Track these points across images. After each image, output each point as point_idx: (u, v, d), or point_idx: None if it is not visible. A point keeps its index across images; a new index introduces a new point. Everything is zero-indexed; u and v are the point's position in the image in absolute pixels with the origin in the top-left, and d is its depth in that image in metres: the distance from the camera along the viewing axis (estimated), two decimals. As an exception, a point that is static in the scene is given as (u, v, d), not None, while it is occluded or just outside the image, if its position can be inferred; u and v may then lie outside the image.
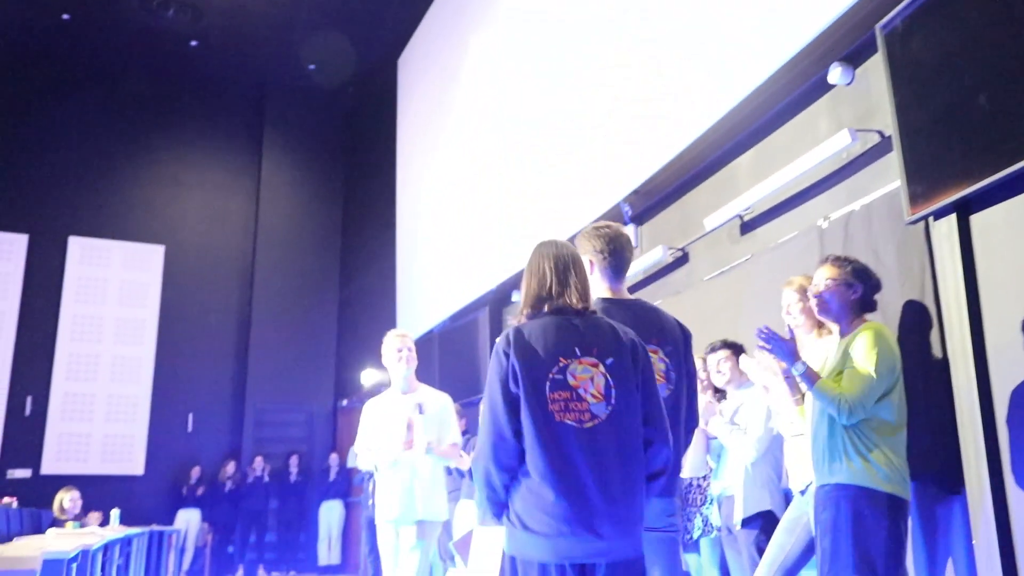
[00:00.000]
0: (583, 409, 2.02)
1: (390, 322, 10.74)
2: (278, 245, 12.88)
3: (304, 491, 11.68)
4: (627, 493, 1.98)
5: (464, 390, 7.71)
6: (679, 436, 2.35)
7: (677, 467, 2.23)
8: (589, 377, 2.05)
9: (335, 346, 12.95)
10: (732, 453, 3.65)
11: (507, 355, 2.07)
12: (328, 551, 11.26)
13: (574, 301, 2.14)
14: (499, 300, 8.04)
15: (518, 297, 7.32)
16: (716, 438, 3.74)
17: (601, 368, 2.06)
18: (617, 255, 2.51)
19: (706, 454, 3.83)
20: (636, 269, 5.61)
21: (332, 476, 11.31)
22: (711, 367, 3.82)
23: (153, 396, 11.80)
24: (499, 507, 2.06)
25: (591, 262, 2.46)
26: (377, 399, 4.19)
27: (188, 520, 11.01)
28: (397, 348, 4.09)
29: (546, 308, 2.15)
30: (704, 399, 3.76)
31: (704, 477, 3.95)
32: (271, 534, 11.37)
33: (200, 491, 11.22)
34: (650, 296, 5.60)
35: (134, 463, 11.54)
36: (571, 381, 2.03)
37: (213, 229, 12.85)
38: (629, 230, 5.88)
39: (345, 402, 12.40)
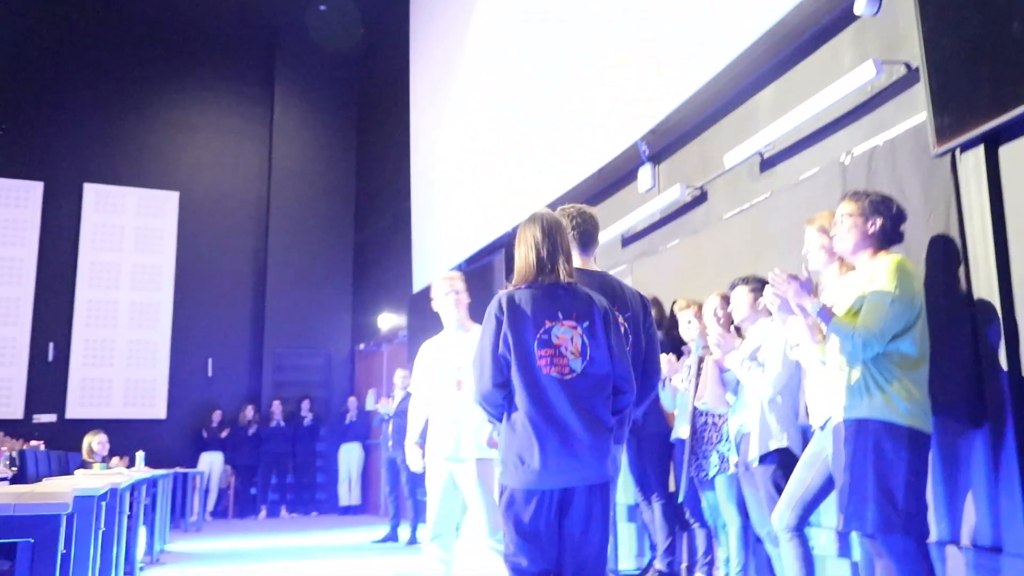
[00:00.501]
0: (564, 364, 2.53)
1: (406, 266, 10.76)
2: (292, 190, 12.88)
3: (317, 433, 11.88)
4: (598, 430, 2.50)
5: (481, 333, 7.69)
6: (639, 384, 2.89)
7: (631, 413, 2.73)
8: (569, 337, 2.56)
9: (351, 290, 13.03)
10: (749, 389, 3.66)
11: (499, 319, 2.56)
12: (348, 492, 11.47)
13: (561, 275, 2.61)
14: (513, 243, 7.97)
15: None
16: (731, 371, 3.74)
17: (579, 330, 2.57)
18: (585, 232, 3.09)
19: (724, 391, 3.83)
20: (653, 209, 5.58)
21: (350, 419, 11.46)
22: (732, 303, 3.81)
23: (172, 341, 11.95)
24: (499, 420, 2.59)
25: None
26: (432, 341, 4.24)
27: (211, 463, 11.24)
28: (445, 292, 4.13)
29: (536, 279, 2.60)
30: (718, 334, 3.75)
31: (720, 415, 3.97)
32: (292, 476, 11.58)
33: (222, 434, 11.41)
34: (667, 236, 5.58)
35: (156, 407, 11.74)
36: (555, 340, 2.55)
37: (227, 175, 12.85)
38: (646, 169, 5.82)
39: (362, 346, 12.52)
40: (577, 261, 3.01)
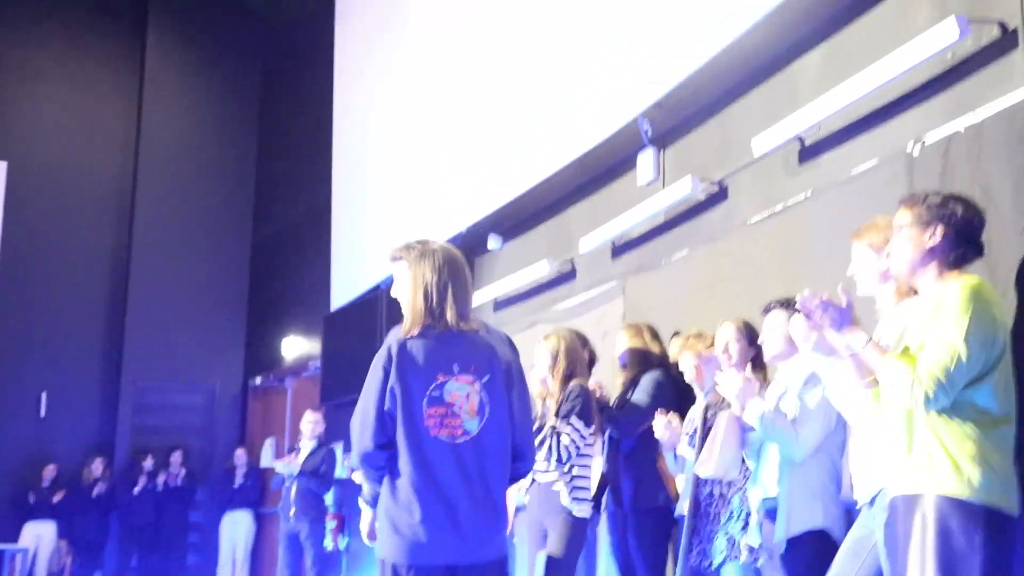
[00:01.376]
0: (456, 424, 2.93)
1: (321, 274, 10.70)
2: (168, 168, 12.77)
3: (191, 497, 11.73)
4: (490, 502, 2.95)
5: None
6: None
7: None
8: (465, 394, 2.95)
9: (246, 305, 12.91)
10: (774, 450, 3.67)
11: (387, 371, 2.95)
12: (232, 578, 11.32)
13: (452, 319, 3.01)
14: (471, 246, 8.05)
15: (495, 245, 7.46)
16: (753, 430, 3.75)
17: (477, 385, 2.97)
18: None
19: (740, 450, 3.85)
20: (656, 208, 5.61)
21: (239, 479, 11.32)
22: (765, 332, 3.85)
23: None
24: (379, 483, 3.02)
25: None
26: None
27: (39, 536, 10.98)
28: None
29: (429, 323, 3.01)
30: (738, 376, 3.77)
31: (729, 484, 3.97)
32: (155, 556, 11.40)
33: (56, 497, 11.18)
34: (673, 244, 5.61)
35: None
36: (447, 398, 2.94)
37: (77, 143, 12.71)
38: (648, 155, 5.86)
39: (259, 380, 12.39)
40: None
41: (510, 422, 2.99)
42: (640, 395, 4.76)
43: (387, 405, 2.94)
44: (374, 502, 3.05)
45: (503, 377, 3.02)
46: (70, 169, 12.58)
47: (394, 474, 2.93)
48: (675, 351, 4.68)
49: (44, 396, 11.98)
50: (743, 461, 3.89)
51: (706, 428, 4.08)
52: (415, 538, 2.87)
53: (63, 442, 11.94)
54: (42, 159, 12.47)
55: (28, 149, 12.43)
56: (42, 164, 12.45)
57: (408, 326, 3.02)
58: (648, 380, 4.80)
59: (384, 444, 2.93)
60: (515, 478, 2.99)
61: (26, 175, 12.28)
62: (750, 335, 4.07)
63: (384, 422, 2.94)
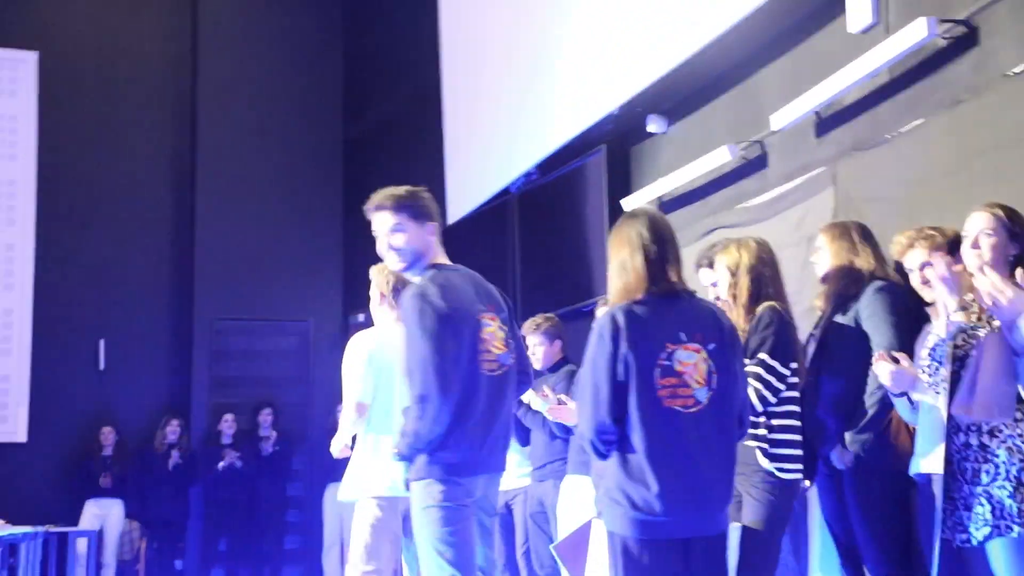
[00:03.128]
0: (687, 395, 3.57)
1: (433, 177, 10.67)
2: (234, 51, 12.93)
3: (287, 466, 11.95)
4: (722, 473, 3.66)
5: (566, 286, 7.84)
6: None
7: None
8: (693, 363, 3.58)
9: (341, 221, 13.03)
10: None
11: (615, 341, 3.56)
12: (342, 564, 11.55)
13: (677, 279, 3.68)
14: (624, 132, 7.95)
15: (657, 128, 7.35)
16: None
17: (703, 353, 3.61)
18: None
19: (1015, 383, 3.71)
20: (876, 63, 5.47)
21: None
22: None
23: (36, 312, 12.08)
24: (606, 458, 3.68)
25: None
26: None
27: (103, 517, 11.23)
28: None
29: (650, 288, 3.65)
30: (996, 284, 3.65)
31: (992, 431, 3.87)
32: (247, 539, 11.70)
33: (121, 468, 11.39)
34: (903, 110, 5.51)
35: (10, 423, 11.92)
36: (677, 367, 3.57)
37: (120, 25, 12.88)
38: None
39: (362, 316, 12.48)
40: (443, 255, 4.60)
41: (735, 391, 3.64)
42: (878, 327, 4.62)
43: (620, 376, 3.54)
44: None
45: (728, 344, 3.68)
46: (114, 59, 12.80)
47: (625, 448, 3.56)
48: (898, 249, 4.56)
49: (102, 345, 12.32)
50: (1019, 398, 3.75)
51: (957, 358, 3.91)
52: (651, 512, 3.51)
53: (127, 401, 12.24)
54: (78, 47, 12.73)
55: (62, 36, 12.69)
56: (80, 54, 12.71)
57: (619, 294, 3.69)
58: (874, 302, 4.65)
59: (618, 417, 3.55)
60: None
61: (61, 68, 12.56)
62: (1013, 227, 3.93)
63: (618, 394, 3.54)
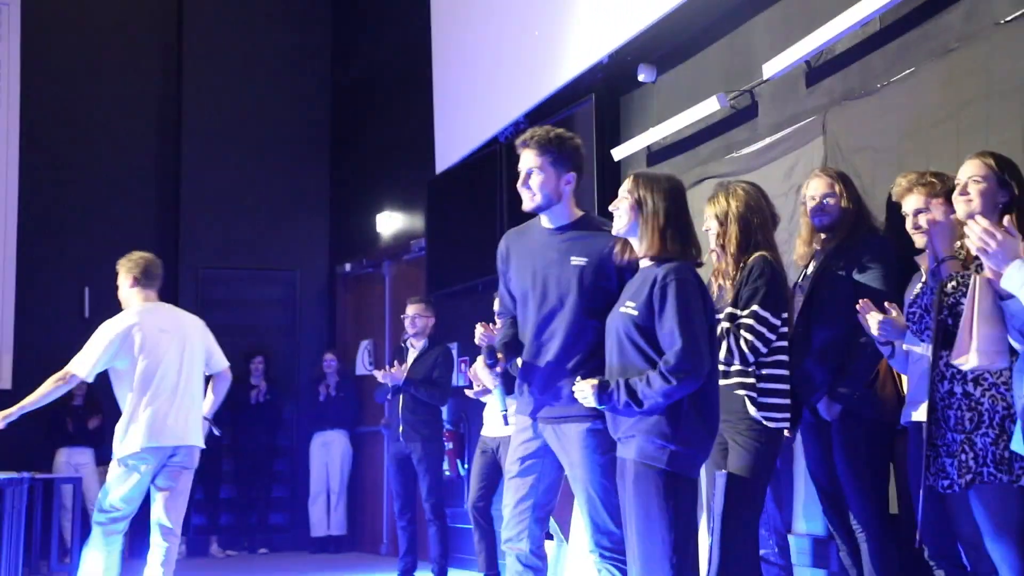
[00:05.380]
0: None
1: (422, 126, 10.68)
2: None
3: (277, 415, 11.97)
4: None
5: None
6: None
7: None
8: None
9: (328, 170, 13.03)
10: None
11: (704, 299, 4.16)
12: (327, 514, 11.62)
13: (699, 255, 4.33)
14: (613, 81, 7.98)
15: (647, 76, 7.34)
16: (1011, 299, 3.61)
17: None
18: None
19: (1002, 335, 3.72)
20: (868, 10, 5.44)
21: (329, 391, 11.56)
22: None
23: (20, 257, 12.06)
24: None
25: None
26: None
27: (76, 466, 11.09)
28: None
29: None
30: (984, 231, 3.66)
31: (984, 379, 3.92)
32: (230, 488, 11.76)
33: (93, 423, 11.20)
34: (894, 58, 5.52)
35: (-8, 370, 11.90)
36: None
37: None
38: None
39: (348, 266, 12.55)
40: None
41: None
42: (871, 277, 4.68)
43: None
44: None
45: None
46: (98, 5, 12.69)
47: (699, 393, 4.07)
48: (897, 191, 4.59)
49: (87, 292, 12.28)
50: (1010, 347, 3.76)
51: (945, 307, 3.94)
52: (705, 447, 4.17)
53: (112, 348, 12.21)
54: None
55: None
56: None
57: (688, 255, 4.19)
58: (868, 251, 4.71)
59: None
60: None
61: (45, 15, 12.43)
62: (1002, 175, 3.95)
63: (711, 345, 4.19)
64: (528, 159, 4.48)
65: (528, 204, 4.55)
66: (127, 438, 6.21)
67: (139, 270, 6.67)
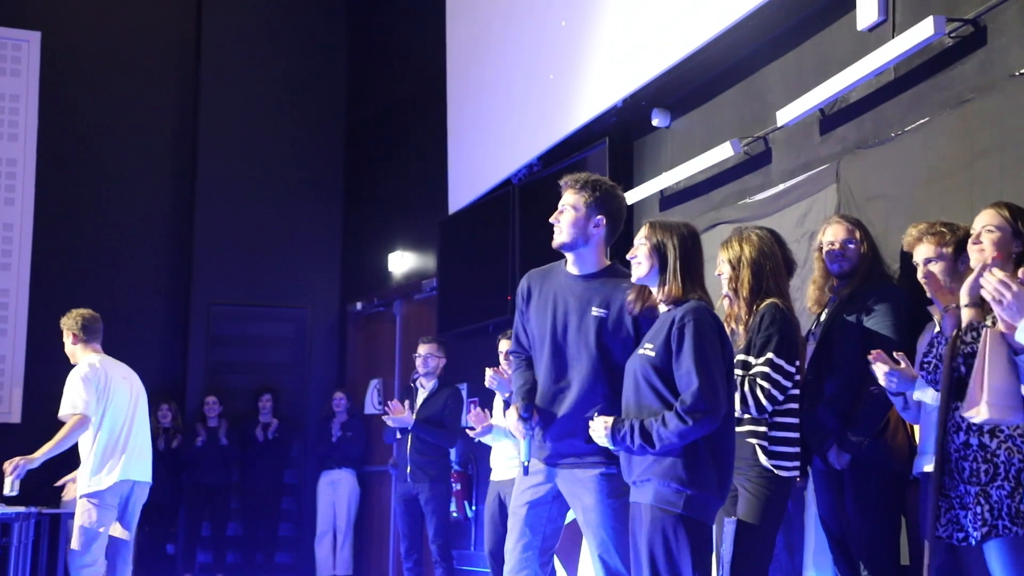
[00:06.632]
0: None
1: (436, 167, 10.69)
2: (239, 33, 12.92)
3: (285, 453, 11.96)
4: None
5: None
6: None
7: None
8: None
9: (341, 209, 13.04)
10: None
11: (723, 343, 4.18)
12: (334, 553, 11.57)
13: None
14: (627, 125, 7.98)
15: (661, 122, 7.35)
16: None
17: None
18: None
19: (1020, 383, 3.70)
20: (883, 60, 5.46)
21: (337, 431, 11.53)
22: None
23: (33, 294, 12.08)
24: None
25: None
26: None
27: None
28: None
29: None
30: (999, 283, 3.65)
31: (992, 431, 3.89)
32: (238, 525, 11.70)
33: None
34: (909, 107, 5.48)
35: (4, 404, 11.90)
36: None
37: (128, 6, 12.87)
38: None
39: (360, 305, 12.55)
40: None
41: None
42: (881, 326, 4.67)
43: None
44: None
45: None
46: (116, 40, 12.75)
47: (715, 436, 4.09)
48: (908, 241, 4.61)
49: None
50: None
51: (960, 354, 3.91)
52: (720, 495, 4.14)
53: (122, 384, 12.21)
54: (82, 28, 12.68)
55: (65, 16, 12.66)
56: (83, 34, 12.67)
57: (706, 299, 4.23)
58: (880, 300, 4.70)
59: None
60: None
61: (64, 49, 12.52)
62: (1017, 225, 3.94)
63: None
64: (565, 197, 4.58)
65: (555, 240, 4.59)
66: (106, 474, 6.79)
67: (78, 327, 7.00)
